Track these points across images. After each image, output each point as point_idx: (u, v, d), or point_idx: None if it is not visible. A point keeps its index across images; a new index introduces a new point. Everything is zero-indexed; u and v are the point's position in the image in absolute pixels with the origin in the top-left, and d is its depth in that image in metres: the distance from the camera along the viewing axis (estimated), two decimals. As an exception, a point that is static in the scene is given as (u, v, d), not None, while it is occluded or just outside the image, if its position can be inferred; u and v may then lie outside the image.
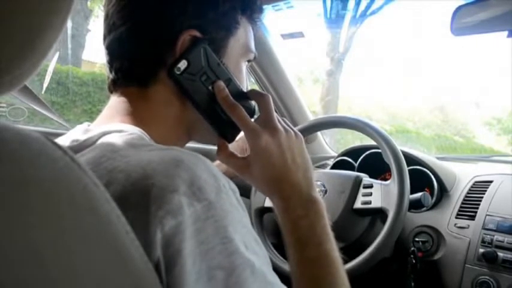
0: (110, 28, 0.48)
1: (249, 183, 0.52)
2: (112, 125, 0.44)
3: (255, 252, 0.36)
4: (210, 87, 0.48)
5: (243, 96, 0.50)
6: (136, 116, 0.46)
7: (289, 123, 0.52)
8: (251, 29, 0.54)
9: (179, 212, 0.32)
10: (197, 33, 0.46)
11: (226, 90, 0.48)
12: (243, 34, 0.52)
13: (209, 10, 0.47)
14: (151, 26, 0.46)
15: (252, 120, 0.49)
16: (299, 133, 0.52)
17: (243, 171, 0.50)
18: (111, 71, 0.49)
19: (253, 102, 0.51)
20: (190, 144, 0.54)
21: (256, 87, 1.29)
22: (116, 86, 0.49)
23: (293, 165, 0.48)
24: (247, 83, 0.57)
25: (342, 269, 0.46)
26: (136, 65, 0.47)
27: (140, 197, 0.33)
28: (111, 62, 0.49)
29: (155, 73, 0.47)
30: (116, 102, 0.48)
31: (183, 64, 0.45)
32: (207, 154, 0.50)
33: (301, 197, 0.48)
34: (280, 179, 0.48)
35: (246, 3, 0.51)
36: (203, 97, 0.47)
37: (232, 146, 0.52)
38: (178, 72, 0.45)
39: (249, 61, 0.55)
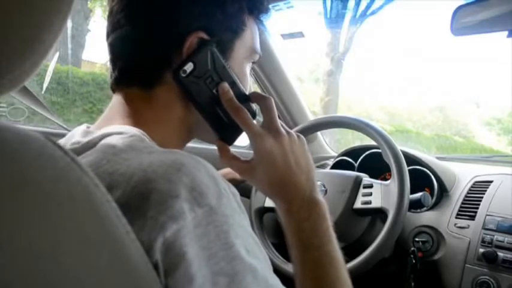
0: (114, 26, 0.47)
1: (252, 185, 0.52)
2: (113, 127, 0.44)
3: (256, 256, 0.36)
4: (214, 90, 0.47)
5: (245, 99, 0.49)
6: (138, 117, 0.46)
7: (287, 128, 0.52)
8: (257, 30, 0.53)
9: (181, 217, 0.32)
10: (205, 35, 0.46)
11: (231, 92, 0.47)
12: (249, 35, 0.51)
13: (217, 11, 0.46)
14: (158, 27, 0.45)
15: (255, 122, 0.49)
16: (301, 135, 0.52)
17: (246, 174, 0.50)
18: (114, 70, 0.48)
19: (254, 105, 0.51)
20: (191, 144, 0.54)
21: (256, 87, 1.29)
22: (118, 85, 0.49)
23: (296, 168, 0.48)
24: (250, 84, 0.57)
25: (344, 270, 0.46)
26: (140, 65, 0.47)
27: (141, 201, 0.33)
28: (114, 61, 0.48)
29: (160, 74, 0.46)
30: (117, 102, 0.48)
31: (189, 67, 0.45)
32: (209, 155, 0.50)
33: (304, 199, 0.48)
34: (284, 182, 0.48)
35: (254, 4, 0.51)
36: (206, 99, 0.47)
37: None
38: (184, 75, 0.45)
39: (253, 62, 0.55)
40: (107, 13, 0.49)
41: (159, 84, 0.46)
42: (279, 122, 0.50)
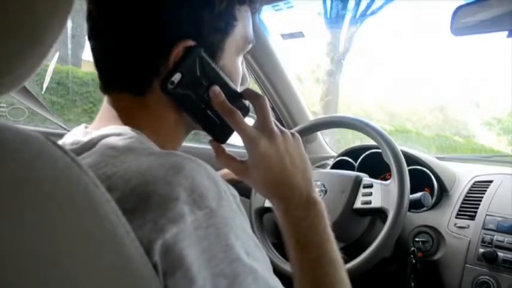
0: (95, 33, 0.45)
1: (249, 185, 0.51)
2: (111, 128, 0.43)
3: (256, 257, 0.36)
4: (204, 95, 0.46)
5: (237, 96, 0.48)
6: (134, 118, 0.45)
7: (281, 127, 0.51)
8: (249, 17, 0.50)
9: (181, 220, 0.33)
10: (191, 43, 0.43)
11: (223, 95, 0.46)
12: (241, 28, 0.48)
13: (205, 12, 0.43)
14: (144, 37, 0.43)
15: (246, 118, 0.48)
16: (296, 134, 0.51)
17: (242, 174, 0.49)
18: (100, 76, 0.47)
19: (247, 101, 0.50)
20: (190, 144, 0.54)
21: (256, 87, 1.29)
22: (107, 90, 0.47)
23: (292, 167, 0.48)
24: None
25: (342, 269, 0.46)
26: (127, 75, 0.45)
27: (140, 203, 0.33)
28: (98, 67, 0.46)
29: (149, 83, 0.45)
30: (112, 104, 0.47)
31: (177, 77, 0.43)
32: (208, 155, 0.50)
33: (301, 199, 0.48)
34: (279, 183, 0.48)
35: None
36: (197, 105, 0.46)
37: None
38: (172, 86, 0.43)
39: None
40: None
41: (150, 92, 0.45)
42: (273, 120, 0.49)
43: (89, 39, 0.46)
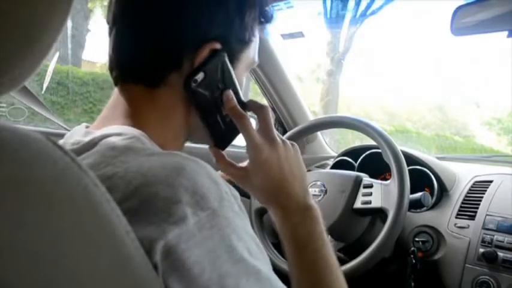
0: (121, 15, 0.45)
1: (248, 191, 0.52)
2: (112, 127, 0.43)
3: (258, 257, 0.37)
4: (218, 98, 0.47)
5: (242, 106, 0.50)
6: (139, 117, 0.45)
7: (282, 136, 0.52)
8: (258, 37, 0.52)
9: (183, 221, 0.33)
10: (218, 46, 0.45)
11: (235, 99, 0.48)
12: (254, 46, 0.51)
13: (236, 20, 0.46)
14: (178, 30, 0.44)
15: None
16: (295, 144, 0.53)
17: (241, 180, 0.51)
18: (117, 64, 0.47)
19: (250, 113, 0.52)
20: (191, 144, 0.54)
21: (256, 87, 1.29)
22: (120, 81, 0.47)
23: (291, 176, 0.50)
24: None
25: (339, 271, 0.48)
26: (147, 66, 0.45)
27: (141, 205, 0.33)
28: (117, 56, 0.46)
29: (166, 75, 0.45)
30: (117, 101, 0.46)
31: (200, 76, 0.45)
32: (209, 155, 0.50)
33: (298, 206, 0.49)
34: (278, 190, 0.49)
35: (264, 13, 0.50)
36: (209, 106, 0.47)
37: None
38: (194, 84, 0.45)
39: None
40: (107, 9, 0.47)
41: (164, 85, 0.45)
42: (275, 130, 0.50)
43: (113, 24, 0.46)
